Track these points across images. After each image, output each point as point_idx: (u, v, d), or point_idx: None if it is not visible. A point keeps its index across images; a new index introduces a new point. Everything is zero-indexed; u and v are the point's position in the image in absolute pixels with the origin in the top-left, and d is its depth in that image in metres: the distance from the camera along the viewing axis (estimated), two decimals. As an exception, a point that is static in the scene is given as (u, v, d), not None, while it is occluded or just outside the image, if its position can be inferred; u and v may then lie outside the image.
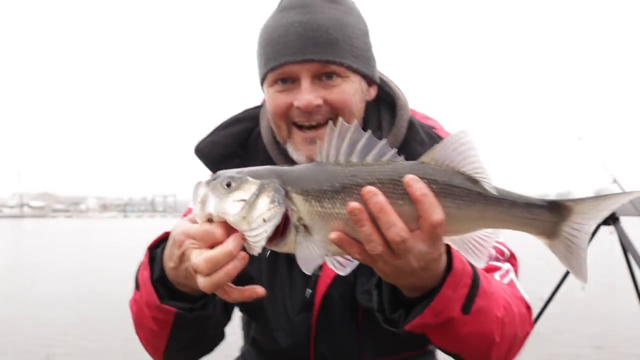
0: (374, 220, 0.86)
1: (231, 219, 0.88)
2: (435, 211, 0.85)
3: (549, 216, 0.95)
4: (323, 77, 1.21)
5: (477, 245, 0.94)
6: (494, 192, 0.91)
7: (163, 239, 1.12)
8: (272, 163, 1.32)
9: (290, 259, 1.31)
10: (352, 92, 1.23)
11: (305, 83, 1.20)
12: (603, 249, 4.32)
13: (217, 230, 0.89)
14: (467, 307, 0.99)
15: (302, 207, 0.89)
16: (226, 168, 1.30)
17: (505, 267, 1.25)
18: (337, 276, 1.28)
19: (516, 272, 1.27)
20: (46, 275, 16.72)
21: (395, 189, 0.88)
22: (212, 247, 0.89)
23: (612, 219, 3.93)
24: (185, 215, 1.36)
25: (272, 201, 0.88)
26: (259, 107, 1.44)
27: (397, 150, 0.91)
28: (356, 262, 0.93)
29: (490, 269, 1.18)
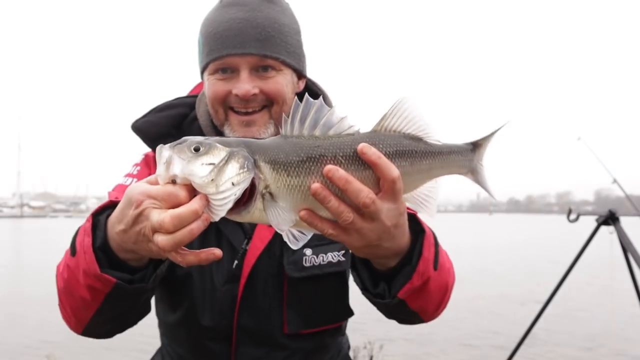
0: (337, 193, 0.92)
1: (198, 181, 0.88)
2: (391, 169, 0.93)
3: (473, 155, 1.10)
4: (260, 69, 1.33)
5: (426, 198, 1.05)
6: (436, 145, 1.03)
7: (108, 206, 1.10)
8: None
9: (219, 231, 1.37)
10: (284, 83, 1.36)
11: (244, 73, 1.32)
12: (602, 249, 4.31)
13: (181, 192, 0.88)
14: (436, 264, 1.12)
15: (269, 175, 0.92)
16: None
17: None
18: (265, 249, 1.37)
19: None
20: (46, 275, 16.68)
21: (356, 159, 0.95)
22: (174, 208, 0.88)
23: (612, 219, 3.93)
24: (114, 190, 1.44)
25: (242, 167, 0.90)
26: (191, 97, 1.56)
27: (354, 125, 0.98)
28: (308, 236, 0.95)
29: None
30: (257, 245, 1.38)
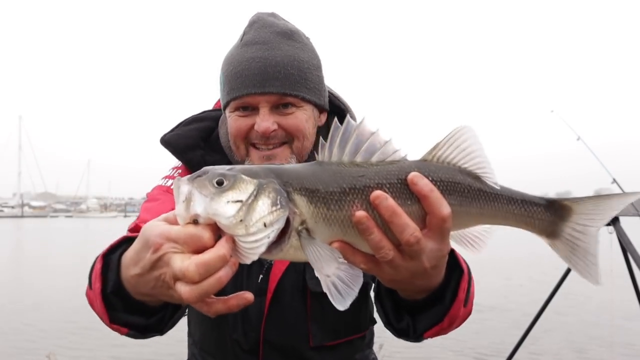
0: (381, 226, 0.83)
1: (225, 222, 0.77)
2: (442, 205, 0.84)
3: (547, 215, 0.93)
4: (280, 106, 1.35)
5: (476, 239, 0.95)
6: (494, 188, 0.91)
7: (121, 242, 1.05)
8: (231, 161, 1.45)
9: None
10: (305, 119, 1.37)
11: (264, 111, 1.34)
12: (602, 249, 4.31)
13: (206, 234, 0.78)
14: (466, 302, 1.07)
15: (306, 210, 0.81)
16: (192, 157, 1.43)
17: None
18: (290, 265, 1.38)
19: None
20: (47, 275, 16.71)
21: (403, 189, 0.85)
22: (197, 252, 0.78)
23: (612, 219, 3.93)
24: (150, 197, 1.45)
25: (274, 203, 0.78)
26: (216, 110, 1.58)
27: (400, 149, 0.89)
28: (355, 292, 0.84)
29: None
30: (282, 261, 1.36)
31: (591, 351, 8.33)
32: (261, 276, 1.38)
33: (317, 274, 0.84)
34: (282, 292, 1.38)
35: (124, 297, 0.98)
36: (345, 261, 0.85)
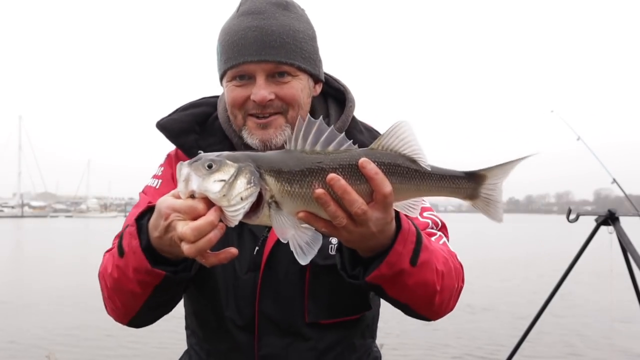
0: (336, 200, 1.04)
1: (212, 196, 1.02)
2: (385, 185, 1.06)
3: (469, 184, 1.20)
4: (276, 75, 1.40)
5: (412, 205, 1.17)
6: (427, 169, 1.14)
7: (147, 211, 1.24)
8: (228, 141, 1.53)
9: (241, 221, 1.44)
10: (300, 88, 1.42)
11: (260, 80, 1.39)
12: (602, 249, 4.32)
13: (200, 205, 1.03)
14: (414, 260, 1.19)
15: (274, 186, 1.05)
16: (184, 141, 1.52)
17: (439, 233, 1.47)
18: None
19: (447, 238, 1.49)
20: (47, 275, 16.73)
21: (353, 172, 1.06)
22: (195, 219, 1.03)
23: (611, 219, 3.93)
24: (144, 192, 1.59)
25: (249, 182, 1.02)
26: (215, 97, 1.64)
27: (352, 141, 1.10)
28: (315, 250, 1.07)
29: (427, 235, 1.34)
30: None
31: (591, 352, 8.33)
32: (257, 248, 1.42)
33: (279, 237, 1.06)
34: (276, 265, 1.41)
35: (153, 254, 1.19)
36: (310, 229, 1.08)
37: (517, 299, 12.04)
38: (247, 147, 1.45)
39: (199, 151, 1.40)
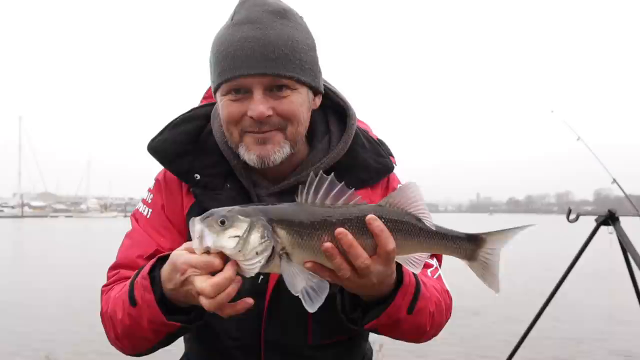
0: (342, 253, 1.10)
1: (229, 252, 1.06)
2: (389, 242, 1.11)
3: (468, 245, 1.25)
4: (274, 89, 1.32)
5: (415, 260, 1.22)
6: (431, 228, 1.20)
7: (157, 263, 1.25)
8: (224, 160, 1.45)
9: None
10: (300, 102, 1.35)
11: (258, 94, 1.30)
12: (602, 249, 4.31)
13: (216, 261, 1.07)
14: (410, 309, 1.25)
15: (285, 239, 1.09)
16: (179, 165, 1.45)
17: (434, 264, 1.49)
18: None
19: (440, 264, 1.52)
20: (46, 275, 16.72)
21: (360, 227, 1.12)
22: (211, 273, 1.07)
23: (611, 219, 3.93)
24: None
25: (262, 237, 1.06)
26: (206, 106, 1.54)
27: (355, 189, 1.16)
28: (322, 298, 1.11)
29: (425, 266, 1.37)
30: None
31: (591, 353, 8.33)
32: (261, 277, 1.39)
33: (289, 288, 1.10)
34: (282, 291, 1.38)
35: (166, 303, 1.21)
36: (316, 277, 1.12)
37: (517, 299, 12.03)
38: (245, 167, 1.41)
39: (195, 175, 1.42)
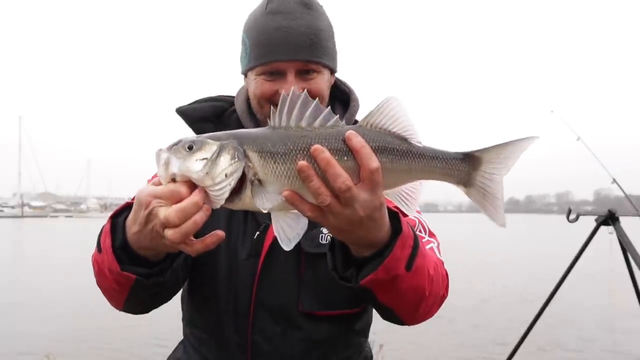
0: (320, 176, 0.98)
1: (195, 176, 0.97)
2: (372, 159, 0.99)
3: (463, 166, 1.10)
4: (303, 72, 1.48)
5: (407, 195, 1.11)
6: (418, 147, 1.07)
7: (124, 208, 1.22)
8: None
9: (230, 209, 1.43)
10: (324, 82, 1.52)
11: (291, 77, 1.47)
12: (602, 249, 4.32)
13: (182, 188, 0.98)
14: (409, 265, 1.13)
15: (257, 163, 1.00)
16: (203, 128, 1.55)
17: (427, 238, 1.46)
18: None
19: (437, 244, 1.47)
20: (46, 275, 16.72)
21: (339, 148, 1.01)
22: (177, 204, 0.98)
23: (611, 219, 3.93)
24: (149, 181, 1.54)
25: (233, 157, 0.98)
26: (231, 96, 1.70)
27: (338, 116, 1.06)
28: (299, 235, 1.04)
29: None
30: None
31: (591, 353, 8.33)
32: (257, 233, 1.46)
33: (261, 209, 1.00)
34: (277, 252, 1.43)
35: (130, 253, 1.16)
36: (294, 211, 1.03)
37: (517, 299, 12.03)
38: None
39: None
